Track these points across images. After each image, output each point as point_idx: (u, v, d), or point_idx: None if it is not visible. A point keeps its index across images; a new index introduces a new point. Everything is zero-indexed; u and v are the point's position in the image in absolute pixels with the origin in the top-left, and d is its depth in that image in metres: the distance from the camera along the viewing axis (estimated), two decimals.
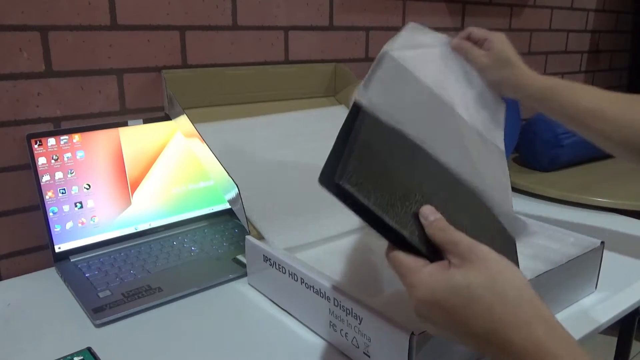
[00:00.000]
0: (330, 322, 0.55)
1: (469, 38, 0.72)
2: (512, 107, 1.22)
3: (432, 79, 0.61)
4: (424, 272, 0.39)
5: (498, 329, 0.36)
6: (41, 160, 0.73)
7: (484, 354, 0.38)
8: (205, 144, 0.72)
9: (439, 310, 0.38)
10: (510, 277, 0.38)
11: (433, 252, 0.41)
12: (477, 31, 0.71)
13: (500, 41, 0.70)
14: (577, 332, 0.59)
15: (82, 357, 0.54)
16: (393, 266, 0.42)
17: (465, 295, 0.37)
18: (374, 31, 1.13)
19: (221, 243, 0.81)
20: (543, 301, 0.38)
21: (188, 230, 0.86)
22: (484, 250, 0.39)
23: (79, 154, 0.76)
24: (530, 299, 0.37)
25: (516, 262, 0.49)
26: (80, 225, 0.77)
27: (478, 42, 0.71)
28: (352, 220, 0.74)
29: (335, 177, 0.40)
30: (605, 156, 1.25)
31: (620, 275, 0.73)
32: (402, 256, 0.41)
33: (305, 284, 0.58)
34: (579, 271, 0.64)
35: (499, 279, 0.37)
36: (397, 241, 0.41)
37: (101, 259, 0.75)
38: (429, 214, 0.42)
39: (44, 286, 0.71)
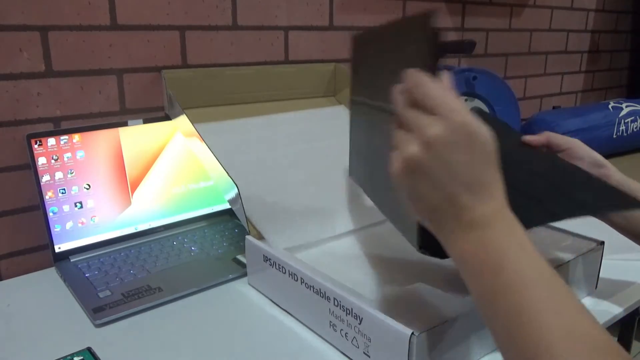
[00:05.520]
0: (330, 322, 0.55)
1: (548, 143, 0.69)
2: (512, 107, 1.22)
3: None
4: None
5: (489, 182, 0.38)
6: (41, 160, 0.73)
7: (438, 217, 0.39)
8: (205, 144, 0.72)
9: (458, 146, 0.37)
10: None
11: None
12: (556, 138, 0.68)
13: (583, 147, 0.68)
14: None
15: (82, 357, 0.54)
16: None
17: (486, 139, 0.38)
18: None
19: (221, 243, 0.81)
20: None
21: (188, 230, 0.86)
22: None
23: (79, 154, 0.76)
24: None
25: None
26: (80, 225, 0.77)
27: (559, 148, 0.68)
28: (351, 220, 0.74)
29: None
30: (605, 156, 1.24)
31: (620, 275, 0.73)
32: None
33: (305, 284, 0.58)
34: (578, 271, 0.64)
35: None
36: None
37: (101, 259, 0.75)
38: None
39: (44, 286, 0.71)
